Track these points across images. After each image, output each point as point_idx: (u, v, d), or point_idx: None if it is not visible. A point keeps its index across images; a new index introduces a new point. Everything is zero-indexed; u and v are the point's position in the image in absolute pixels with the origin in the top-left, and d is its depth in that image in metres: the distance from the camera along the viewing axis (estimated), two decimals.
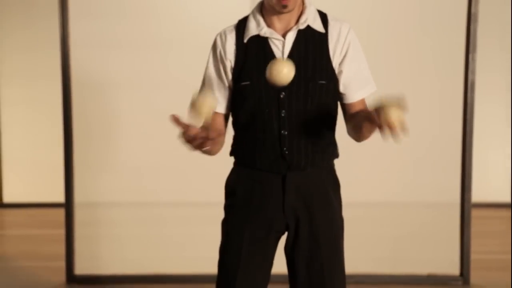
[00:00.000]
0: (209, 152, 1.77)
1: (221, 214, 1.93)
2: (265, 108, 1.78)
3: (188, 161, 3.18)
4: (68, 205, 3.56)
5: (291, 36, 1.79)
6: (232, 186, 1.89)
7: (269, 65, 1.61)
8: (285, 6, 1.73)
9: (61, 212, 3.72)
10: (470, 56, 3.46)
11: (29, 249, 4.39)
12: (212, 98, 1.60)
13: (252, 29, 1.81)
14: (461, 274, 3.59)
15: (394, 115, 1.54)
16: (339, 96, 1.86)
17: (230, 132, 1.92)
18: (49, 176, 5.49)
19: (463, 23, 3.46)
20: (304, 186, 1.82)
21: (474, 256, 3.64)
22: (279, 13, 1.78)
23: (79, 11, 3.46)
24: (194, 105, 1.60)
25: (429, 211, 3.59)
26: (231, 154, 1.91)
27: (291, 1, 1.73)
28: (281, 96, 1.77)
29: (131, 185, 3.55)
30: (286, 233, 1.88)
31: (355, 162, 3.38)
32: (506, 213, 5.36)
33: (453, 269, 3.60)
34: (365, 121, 1.66)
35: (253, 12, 1.84)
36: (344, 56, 1.81)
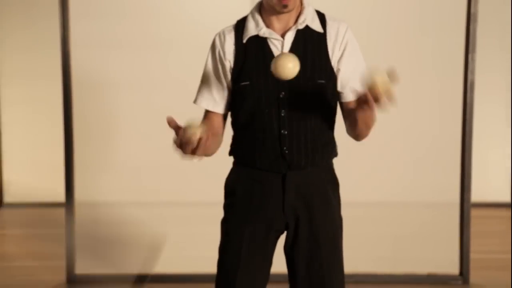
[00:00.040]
0: (206, 151, 1.77)
1: (220, 214, 1.94)
2: (265, 108, 1.79)
3: (188, 161, 3.18)
4: (68, 205, 3.57)
5: (290, 36, 1.79)
6: (232, 186, 1.90)
7: (274, 59, 1.62)
8: (285, 6, 1.74)
9: (61, 212, 3.72)
10: (470, 56, 3.47)
11: (29, 249, 4.39)
12: (201, 128, 1.61)
13: (251, 30, 1.81)
14: (461, 273, 3.59)
15: (380, 83, 1.56)
16: (337, 95, 1.87)
17: (229, 132, 1.93)
18: (49, 176, 5.49)
19: (463, 23, 3.46)
20: (304, 185, 1.82)
21: (473, 256, 3.65)
22: (278, 13, 1.78)
23: (80, 11, 3.46)
24: (184, 134, 1.60)
25: (429, 211, 3.59)
26: (230, 154, 1.92)
27: (291, 1, 1.74)
28: (281, 95, 1.78)
29: (130, 185, 3.56)
30: (285, 232, 1.89)
31: (355, 162, 3.39)
32: (505, 213, 5.36)
33: (453, 268, 3.61)
34: (357, 107, 1.66)
35: (251, 13, 1.85)
36: (342, 54, 1.82)
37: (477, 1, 3.42)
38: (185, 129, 1.59)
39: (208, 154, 1.81)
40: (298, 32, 1.80)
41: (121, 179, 3.55)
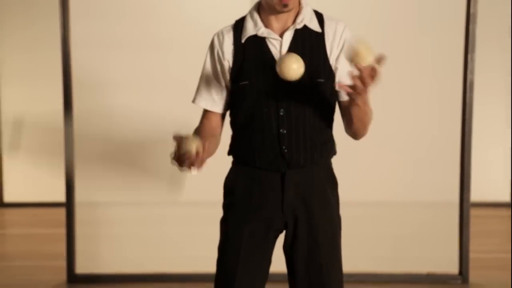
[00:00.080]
0: (204, 158, 1.79)
1: (220, 213, 1.94)
2: (264, 107, 1.79)
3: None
4: (69, 205, 3.57)
5: (288, 36, 1.80)
6: (231, 185, 1.91)
7: (278, 60, 1.64)
8: (286, 5, 1.75)
9: (62, 212, 3.73)
10: (469, 56, 3.47)
11: (30, 248, 4.40)
12: (198, 142, 1.61)
13: (250, 29, 1.82)
14: (460, 272, 3.60)
15: (362, 50, 1.59)
16: (335, 94, 1.87)
17: (228, 132, 1.93)
18: (49, 176, 5.50)
19: (462, 23, 3.47)
20: (303, 184, 1.83)
21: (473, 255, 3.65)
22: (277, 12, 1.79)
23: (80, 11, 3.47)
24: (178, 148, 1.61)
25: (429, 210, 3.60)
26: (229, 153, 1.92)
27: (292, 0, 1.75)
28: (280, 95, 1.78)
29: (131, 185, 3.56)
30: (284, 232, 1.90)
31: (355, 162, 3.40)
32: (505, 212, 5.37)
33: (452, 268, 3.61)
34: (350, 102, 1.69)
35: (250, 12, 1.86)
36: (339, 53, 1.82)
37: (476, 1, 3.43)
38: (181, 144, 1.60)
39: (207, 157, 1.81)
40: (297, 31, 1.81)
41: (121, 179, 3.56)
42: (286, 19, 1.81)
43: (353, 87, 1.62)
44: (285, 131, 1.79)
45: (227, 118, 1.95)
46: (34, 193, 5.69)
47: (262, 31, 1.80)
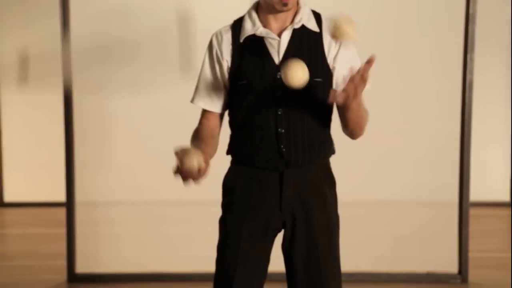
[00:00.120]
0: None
1: (219, 213, 1.95)
2: (262, 106, 1.80)
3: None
4: (69, 204, 3.58)
5: (286, 36, 1.81)
6: (230, 185, 1.91)
7: (283, 67, 1.64)
8: (285, 5, 1.75)
9: (62, 211, 3.74)
10: (468, 56, 3.48)
11: (30, 248, 4.41)
12: (200, 158, 1.62)
13: (248, 29, 1.83)
14: (460, 272, 3.61)
15: (344, 23, 1.64)
16: None
17: (226, 131, 1.94)
18: (49, 175, 5.50)
19: (461, 23, 3.47)
20: (301, 183, 1.84)
21: (472, 255, 3.66)
22: (276, 12, 1.80)
23: (80, 11, 3.47)
24: (181, 164, 1.61)
25: (428, 210, 3.60)
26: (228, 153, 1.93)
27: None
28: (278, 94, 1.79)
29: (131, 184, 3.57)
30: (283, 231, 1.90)
31: (354, 162, 3.40)
32: (504, 212, 5.38)
33: (452, 267, 3.62)
34: (344, 106, 1.71)
35: (248, 12, 1.86)
36: (337, 53, 1.83)
37: (475, 1, 3.43)
38: (182, 160, 1.60)
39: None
40: (295, 31, 1.81)
41: (121, 179, 3.56)
42: (284, 19, 1.82)
43: (345, 92, 1.62)
44: (283, 130, 1.80)
45: (226, 118, 1.95)
46: (34, 193, 5.70)
47: (261, 31, 1.81)
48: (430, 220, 3.60)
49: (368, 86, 1.69)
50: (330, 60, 1.83)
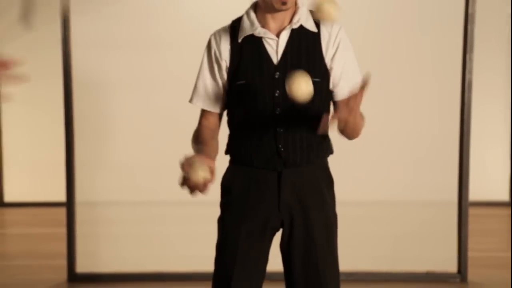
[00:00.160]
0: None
1: (218, 212, 1.96)
2: (260, 106, 1.81)
3: None
4: (69, 204, 3.59)
5: (284, 36, 1.81)
6: (228, 184, 1.92)
7: (288, 80, 1.65)
8: (284, 3, 1.76)
9: (62, 211, 3.74)
10: (467, 56, 3.49)
11: (30, 248, 4.41)
12: (206, 170, 1.61)
13: (246, 29, 1.83)
14: (459, 271, 3.61)
15: (325, 9, 1.66)
16: (331, 94, 1.89)
17: (225, 131, 1.95)
18: (49, 175, 5.51)
19: (461, 23, 3.48)
20: (299, 183, 1.84)
21: (471, 254, 3.67)
22: (275, 11, 1.80)
23: (80, 11, 3.48)
24: (186, 177, 1.61)
25: (428, 209, 3.61)
26: (227, 152, 1.93)
27: None
28: (276, 94, 1.80)
29: (131, 184, 3.58)
30: (281, 230, 1.91)
31: (354, 162, 3.41)
32: (503, 211, 5.39)
33: (451, 266, 3.62)
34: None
35: (247, 12, 1.87)
36: (335, 53, 1.83)
37: (474, 1, 3.44)
38: (188, 173, 1.61)
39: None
40: (293, 31, 1.82)
41: (121, 179, 3.57)
42: (282, 19, 1.82)
43: (338, 118, 1.63)
44: (281, 130, 1.81)
45: (224, 118, 1.96)
46: (34, 193, 5.70)
47: (259, 31, 1.82)
48: (430, 220, 3.61)
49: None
50: (327, 60, 1.83)
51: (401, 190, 3.60)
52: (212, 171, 1.63)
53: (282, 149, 1.81)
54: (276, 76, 1.79)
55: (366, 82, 1.61)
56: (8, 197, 5.82)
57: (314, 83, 1.79)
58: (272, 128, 1.81)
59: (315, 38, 1.83)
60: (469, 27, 3.46)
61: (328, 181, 1.91)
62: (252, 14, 1.84)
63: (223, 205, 1.93)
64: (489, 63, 5.37)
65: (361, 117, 1.79)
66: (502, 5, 5.30)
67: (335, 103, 1.90)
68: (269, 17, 1.82)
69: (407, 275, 3.63)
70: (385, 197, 3.61)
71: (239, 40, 1.83)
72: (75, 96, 3.52)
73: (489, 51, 5.32)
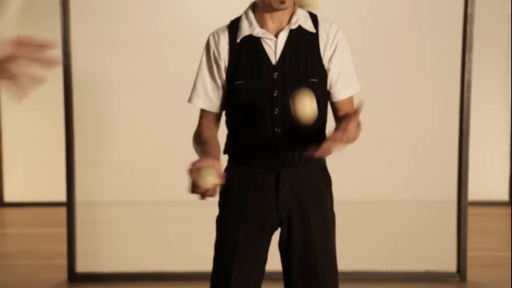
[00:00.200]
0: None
1: (217, 212, 1.96)
2: (259, 106, 1.81)
3: (186, 160, 3.20)
4: (69, 204, 3.59)
5: (283, 36, 1.82)
6: (226, 184, 1.92)
7: (292, 102, 1.65)
8: (283, 2, 1.76)
9: (62, 211, 3.75)
10: (467, 56, 3.49)
11: (30, 248, 4.42)
12: (214, 175, 1.62)
13: (245, 29, 1.84)
14: (458, 270, 3.62)
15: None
16: (328, 94, 1.90)
17: (223, 131, 1.95)
18: (49, 175, 5.51)
19: (460, 23, 3.49)
20: (297, 182, 1.85)
21: (471, 253, 3.67)
22: (273, 10, 1.81)
23: (80, 11, 3.49)
24: (194, 184, 1.62)
25: (427, 209, 3.62)
26: (225, 152, 1.94)
27: None
28: (274, 94, 1.80)
29: (130, 184, 3.58)
30: (279, 229, 1.92)
31: (353, 161, 3.41)
32: (502, 211, 5.40)
33: (450, 265, 3.63)
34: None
35: (245, 12, 1.87)
36: (332, 54, 1.84)
37: (473, 2, 3.45)
38: (197, 180, 1.61)
39: None
40: (291, 32, 1.83)
41: (121, 179, 3.58)
42: (281, 19, 1.83)
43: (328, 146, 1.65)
44: (279, 130, 1.81)
45: (223, 118, 1.97)
46: (34, 193, 5.71)
47: (257, 31, 1.82)
48: (429, 219, 3.61)
49: (359, 90, 1.73)
50: (325, 61, 1.84)
51: (401, 190, 3.61)
52: (220, 175, 1.63)
53: (280, 149, 1.82)
54: (275, 77, 1.80)
55: (360, 108, 1.63)
56: (8, 197, 5.82)
57: (312, 83, 1.81)
58: (271, 128, 1.82)
59: (313, 38, 1.84)
60: (468, 27, 3.47)
61: (326, 180, 1.92)
62: (251, 14, 1.85)
63: (222, 204, 1.93)
64: (488, 63, 5.38)
65: (358, 127, 1.80)
66: (501, 5, 5.31)
67: (332, 104, 1.91)
68: (267, 17, 1.83)
69: (407, 274, 3.64)
70: (384, 196, 3.62)
71: (238, 40, 1.84)
72: (75, 96, 3.53)
73: (488, 51, 5.33)
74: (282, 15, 1.83)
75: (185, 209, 3.57)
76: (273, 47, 1.82)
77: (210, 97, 1.90)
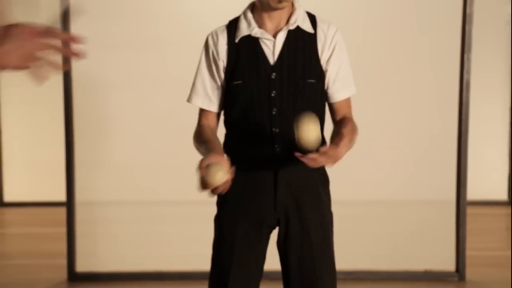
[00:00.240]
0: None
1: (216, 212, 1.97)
2: (257, 106, 1.82)
3: (185, 160, 3.20)
4: (69, 204, 3.60)
5: (281, 36, 1.83)
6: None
7: (296, 126, 1.65)
8: (280, 1, 1.77)
9: (61, 211, 3.75)
10: (465, 56, 3.50)
11: (30, 247, 4.42)
12: (223, 172, 1.62)
13: (243, 29, 1.84)
14: (457, 270, 3.63)
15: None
16: (326, 95, 1.90)
17: (222, 131, 1.96)
18: (49, 175, 5.52)
19: (459, 23, 3.49)
20: (295, 182, 1.85)
21: (470, 253, 3.68)
22: (272, 10, 1.81)
23: (80, 11, 3.49)
24: (204, 181, 1.62)
25: (426, 209, 3.62)
26: (223, 151, 1.95)
27: None
28: (272, 94, 1.81)
29: (130, 184, 3.59)
30: (278, 228, 1.92)
31: (352, 161, 3.41)
32: (501, 210, 5.41)
33: (449, 265, 3.64)
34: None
35: (244, 13, 1.88)
36: (330, 55, 1.85)
37: (472, 2, 3.45)
38: (206, 177, 1.61)
39: None
40: (290, 32, 1.83)
41: (120, 179, 3.58)
42: (279, 19, 1.84)
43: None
44: (277, 130, 1.82)
45: (221, 118, 1.97)
46: (34, 193, 5.71)
47: (256, 31, 1.83)
48: (428, 219, 3.62)
49: (355, 92, 1.75)
50: (323, 62, 1.84)
51: (400, 190, 3.61)
52: (229, 171, 1.64)
53: (278, 149, 1.83)
54: (273, 77, 1.80)
55: (343, 138, 1.63)
56: (8, 197, 5.83)
57: (309, 84, 1.81)
58: (268, 128, 1.82)
59: (312, 39, 1.84)
60: (467, 27, 3.48)
61: (323, 180, 1.93)
62: (249, 15, 1.85)
63: (220, 204, 1.94)
64: (487, 63, 5.39)
65: (353, 134, 1.80)
66: (500, 5, 5.32)
67: (330, 105, 1.91)
68: (265, 16, 1.83)
69: (406, 273, 3.64)
70: (383, 196, 3.62)
71: (236, 40, 1.84)
72: (75, 96, 3.53)
73: (487, 51, 5.34)
74: (280, 15, 1.83)
75: (184, 209, 3.58)
76: (271, 48, 1.83)
77: (209, 96, 1.91)
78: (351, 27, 3.21)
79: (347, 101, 1.91)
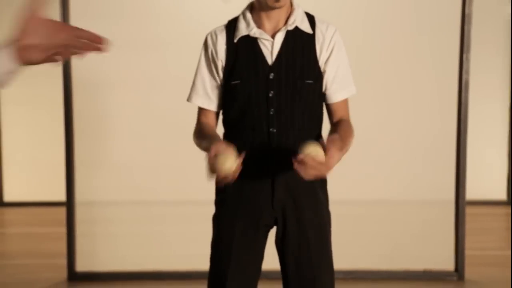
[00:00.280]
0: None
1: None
2: (255, 106, 1.82)
3: (185, 160, 3.22)
4: (69, 204, 3.60)
5: (280, 37, 1.83)
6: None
7: (302, 149, 1.66)
8: (278, 0, 1.78)
9: (61, 211, 3.76)
10: (464, 56, 3.51)
11: (30, 247, 4.43)
12: (232, 160, 1.63)
13: (242, 30, 1.85)
14: (456, 269, 3.63)
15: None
16: (324, 96, 1.91)
17: (220, 130, 1.96)
18: (49, 175, 5.52)
19: (457, 23, 3.50)
20: (293, 182, 1.85)
21: (469, 252, 3.69)
22: (270, 9, 1.81)
23: (80, 11, 3.50)
24: (213, 169, 1.63)
25: (425, 208, 3.63)
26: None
27: None
28: (270, 95, 1.81)
29: (130, 184, 3.59)
30: (276, 227, 1.93)
31: (352, 162, 3.42)
32: (501, 210, 5.41)
33: (448, 264, 3.64)
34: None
35: (243, 13, 1.88)
36: (329, 56, 1.85)
37: (471, 2, 3.46)
38: (217, 168, 1.62)
39: None
40: (288, 33, 1.83)
41: (120, 179, 3.59)
42: (277, 19, 1.84)
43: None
44: (275, 130, 1.82)
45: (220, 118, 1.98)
46: (34, 193, 5.72)
47: (254, 32, 1.83)
48: (427, 219, 3.63)
49: (354, 92, 1.75)
50: (321, 63, 1.85)
51: (399, 190, 3.62)
52: (237, 158, 1.64)
53: (276, 149, 1.83)
54: (271, 77, 1.81)
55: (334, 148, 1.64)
56: (7, 197, 5.84)
57: (307, 84, 1.82)
58: (266, 128, 1.83)
59: (310, 39, 1.84)
60: (466, 27, 3.48)
61: (321, 180, 1.93)
62: (248, 15, 1.86)
63: (218, 203, 1.94)
64: (486, 63, 5.39)
65: (349, 137, 1.81)
66: (499, 5, 5.33)
67: (327, 106, 1.92)
68: (264, 16, 1.84)
69: (405, 273, 3.65)
70: (383, 196, 3.63)
71: (235, 40, 1.85)
72: (75, 96, 3.54)
73: (486, 51, 5.35)
74: (279, 15, 1.84)
75: (184, 209, 3.59)
76: (269, 48, 1.83)
77: (209, 95, 1.92)
78: (350, 27, 3.22)
79: (345, 102, 1.92)
